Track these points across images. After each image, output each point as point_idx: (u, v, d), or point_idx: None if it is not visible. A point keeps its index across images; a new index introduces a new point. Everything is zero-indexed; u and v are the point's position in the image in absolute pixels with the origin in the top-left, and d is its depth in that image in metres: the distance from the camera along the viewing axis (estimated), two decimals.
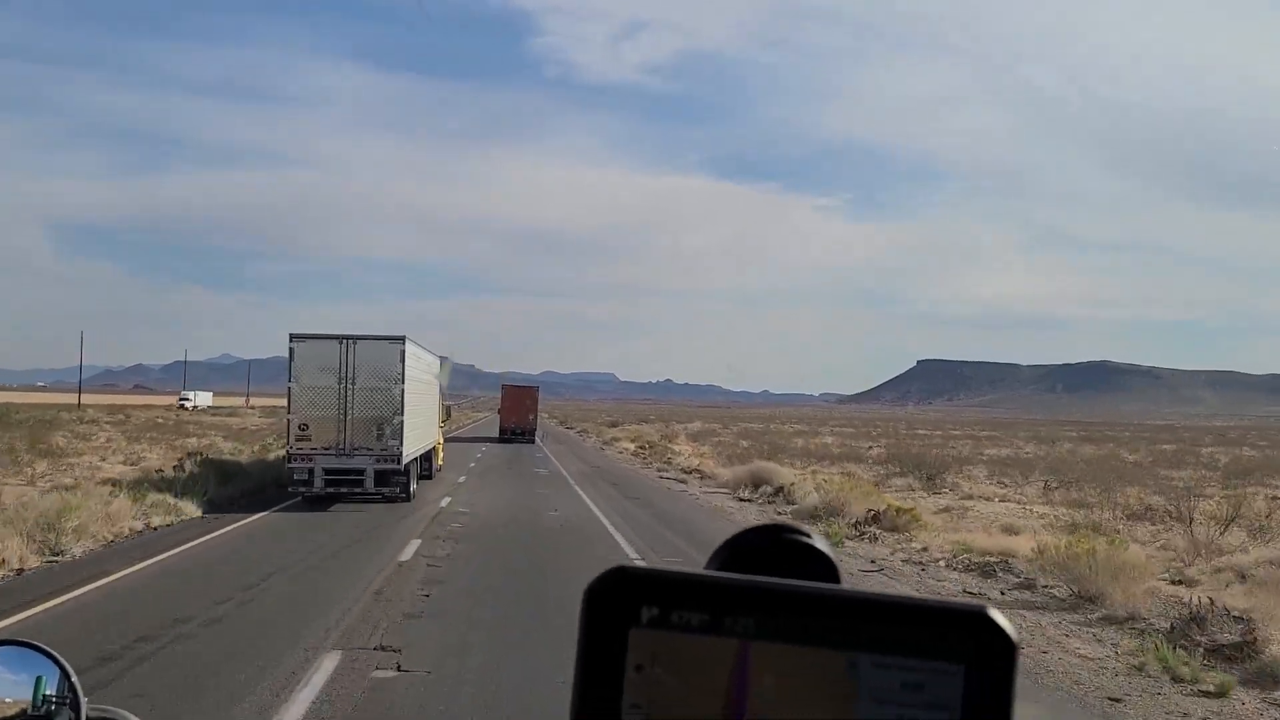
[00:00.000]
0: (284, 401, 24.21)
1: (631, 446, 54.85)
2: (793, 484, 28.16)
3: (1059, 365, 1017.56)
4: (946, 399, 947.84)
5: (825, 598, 0.84)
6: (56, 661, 1.81)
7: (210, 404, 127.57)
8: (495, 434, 61.34)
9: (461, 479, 30.38)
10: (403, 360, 23.37)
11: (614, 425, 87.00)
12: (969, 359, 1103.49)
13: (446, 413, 37.99)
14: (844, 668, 0.83)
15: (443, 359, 33.06)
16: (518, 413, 60.39)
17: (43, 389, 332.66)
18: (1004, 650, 0.83)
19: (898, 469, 37.20)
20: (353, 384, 22.96)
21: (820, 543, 0.96)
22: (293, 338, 23.10)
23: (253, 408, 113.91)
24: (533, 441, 56.90)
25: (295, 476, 22.95)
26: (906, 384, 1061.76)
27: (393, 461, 22.96)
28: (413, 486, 24.45)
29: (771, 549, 0.95)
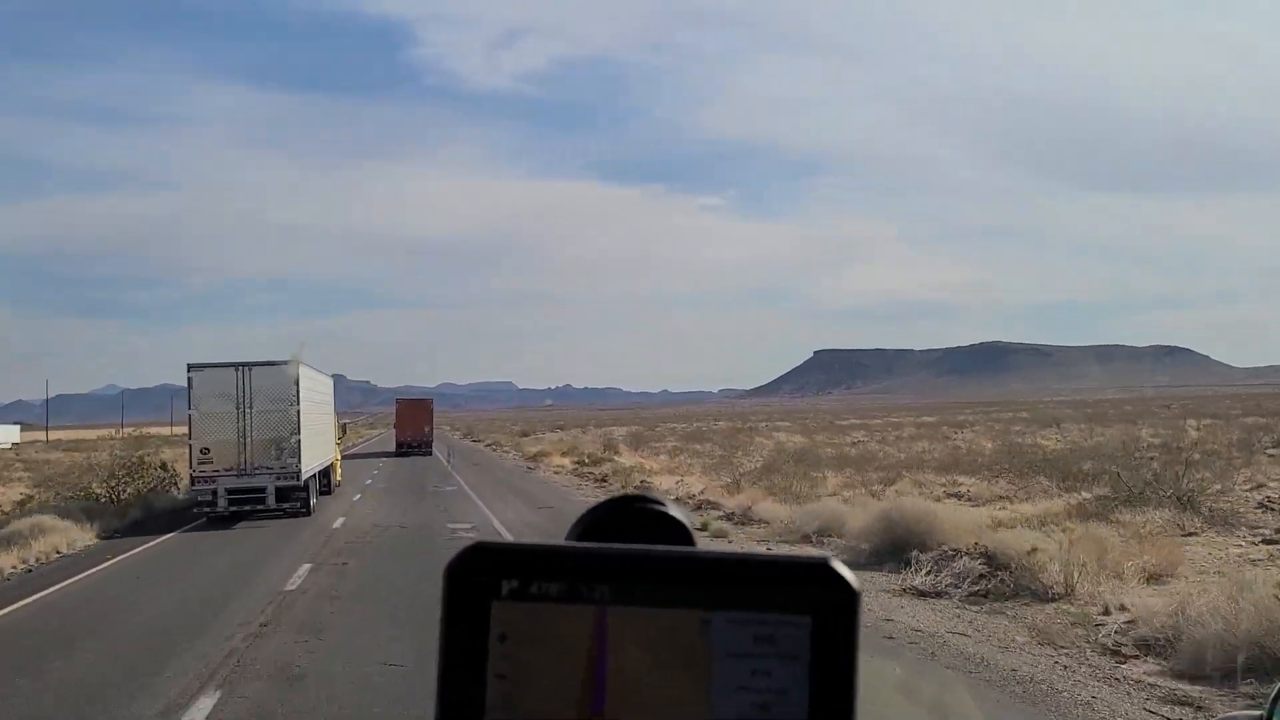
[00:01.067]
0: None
1: (567, 463, 43.69)
2: (1027, 551, 12.85)
3: (950, 348, 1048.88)
4: (844, 388, 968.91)
5: (675, 560, 0.89)
6: None
7: (15, 441, 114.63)
8: (392, 449, 62.76)
9: (357, 497, 31.93)
10: (297, 383, 25.14)
11: (525, 435, 79.43)
12: (864, 347, 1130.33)
13: (342, 430, 39.58)
14: (698, 626, 0.88)
15: (333, 377, 34.72)
16: (413, 426, 61.93)
17: None
18: (847, 599, 0.88)
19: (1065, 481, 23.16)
20: (250, 408, 24.65)
21: (675, 510, 1.01)
22: (190, 367, 24.71)
23: (116, 438, 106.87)
24: (429, 454, 58.46)
25: (200, 498, 24.58)
26: (804, 375, 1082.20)
27: (292, 478, 24.71)
28: (313, 501, 26.24)
29: (627, 518, 1.00)
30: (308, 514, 25.24)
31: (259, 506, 24.60)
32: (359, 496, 31.50)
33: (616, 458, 41.77)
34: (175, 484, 29.82)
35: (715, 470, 33.48)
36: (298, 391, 25.11)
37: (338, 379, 34.93)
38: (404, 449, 60.27)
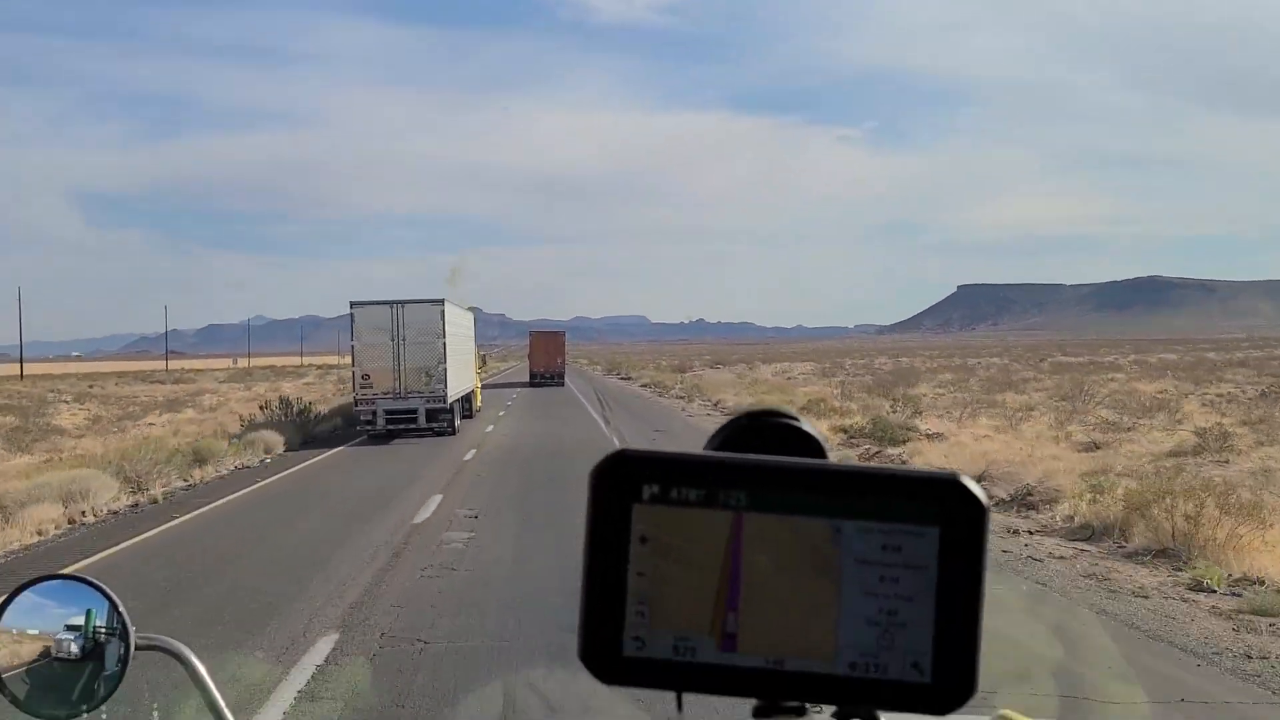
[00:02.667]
0: (325, 358, 30.11)
1: (825, 430, 24.24)
2: None
3: (1105, 283, 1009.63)
4: (990, 324, 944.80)
5: (809, 470, 0.94)
6: (105, 594, 1.90)
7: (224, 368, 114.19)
8: (526, 380, 66.62)
9: (490, 428, 35.76)
10: (443, 318, 29.00)
11: (683, 371, 73.52)
12: (1010, 282, 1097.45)
13: (482, 360, 43.77)
14: (829, 534, 0.93)
15: (469, 311, 38.70)
16: (546, 358, 65.43)
17: (78, 359, 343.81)
18: (975, 513, 0.92)
19: None
20: (403, 340, 28.64)
21: (807, 425, 1.06)
22: (352, 305, 28.82)
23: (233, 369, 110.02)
24: (562, 384, 62.12)
25: (361, 418, 28.79)
26: (947, 311, 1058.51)
27: (440, 401, 28.66)
28: (457, 422, 30.20)
29: (763, 432, 1.05)
30: (453, 434, 29.16)
31: (411, 425, 28.59)
32: (496, 423, 35.37)
33: (917, 424, 25.48)
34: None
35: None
36: (444, 326, 28.95)
37: (473, 312, 38.83)
38: (537, 380, 64.04)
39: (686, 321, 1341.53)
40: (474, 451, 24.06)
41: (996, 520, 10.20)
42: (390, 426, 28.45)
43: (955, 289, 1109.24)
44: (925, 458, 20.00)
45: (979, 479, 4.68)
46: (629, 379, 73.77)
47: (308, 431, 29.36)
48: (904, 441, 22.56)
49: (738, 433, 1.05)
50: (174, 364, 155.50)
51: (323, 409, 34.24)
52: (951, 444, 21.43)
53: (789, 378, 61.09)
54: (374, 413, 28.44)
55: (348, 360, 32.06)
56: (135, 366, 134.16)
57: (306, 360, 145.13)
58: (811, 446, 1.05)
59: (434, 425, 28.78)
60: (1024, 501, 14.75)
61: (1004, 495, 15.04)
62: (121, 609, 1.89)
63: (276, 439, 26.36)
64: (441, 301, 29.37)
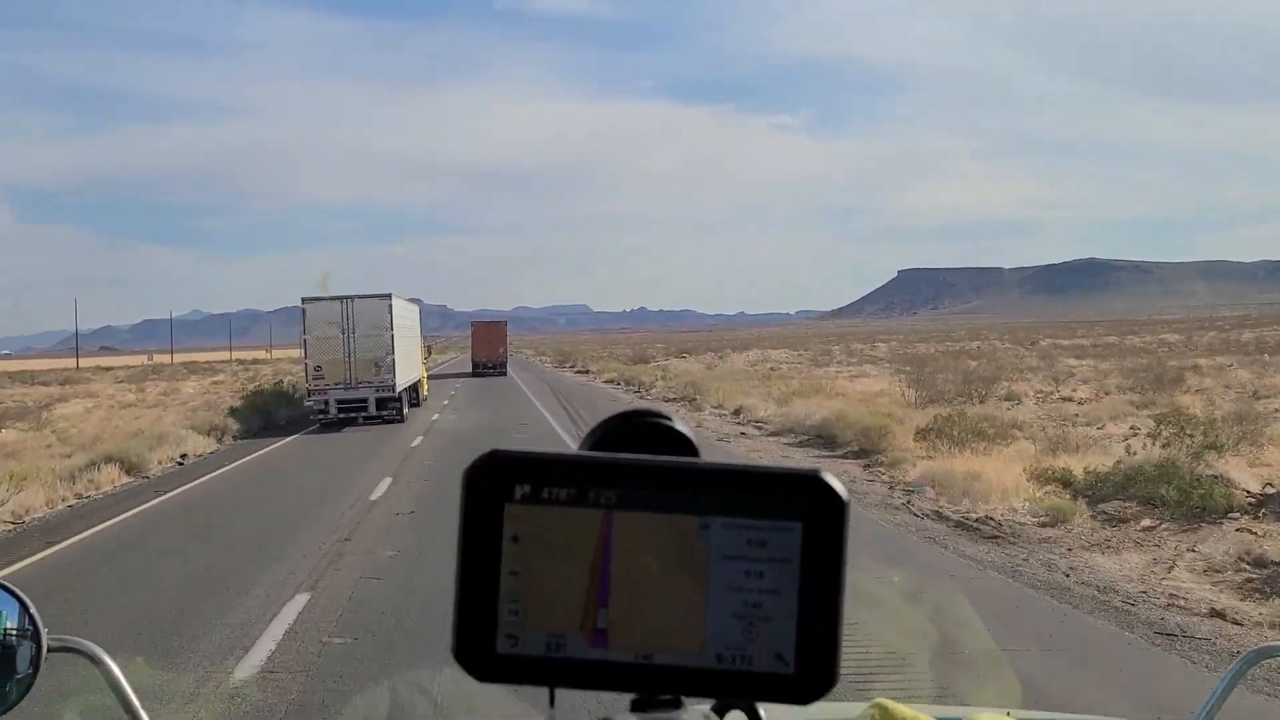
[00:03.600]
0: (252, 354, 31.63)
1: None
2: None
3: (1044, 266, 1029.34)
4: (930, 308, 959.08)
5: (676, 469, 0.97)
6: (16, 596, 1.87)
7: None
8: (468, 370, 67.95)
9: (437, 413, 37.77)
10: (390, 312, 30.78)
11: (643, 362, 69.15)
12: (949, 266, 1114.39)
13: (427, 350, 45.51)
14: (696, 530, 0.95)
15: (414, 301, 40.42)
16: (488, 348, 67.08)
17: (7, 357, 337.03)
18: (836, 508, 0.95)
19: None
20: (353, 333, 30.38)
21: (680, 424, 1.07)
22: (304, 300, 30.59)
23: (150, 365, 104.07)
24: (504, 374, 63.66)
25: (314, 408, 30.48)
26: (888, 295, 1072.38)
27: (389, 391, 30.46)
28: (405, 410, 32.00)
29: (636, 431, 1.07)
30: (401, 421, 30.95)
31: (361, 414, 30.36)
32: (442, 408, 37.28)
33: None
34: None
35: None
36: (391, 319, 30.73)
37: (385, 293, 40.66)
38: (480, 370, 65.72)
39: (628, 310, 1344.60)
40: (421, 438, 25.91)
41: None
42: (342, 415, 30.19)
43: (896, 274, 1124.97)
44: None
45: None
46: (586, 372, 65.09)
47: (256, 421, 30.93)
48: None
49: (612, 432, 1.08)
50: (102, 361, 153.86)
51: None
52: None
53: (773, 367, 56.60)
54: (326, 402, 30.16)
55: (278, 354, 33.65)
56: (47, 365, 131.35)
57: (237, 355, 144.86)
58: (684, 445, 1.07)
59: (383, 413, 30.56)
60: None
61: None
62: (33, 610, 1.86)
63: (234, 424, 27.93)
64: (389, 296, 31.16)
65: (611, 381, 51.86)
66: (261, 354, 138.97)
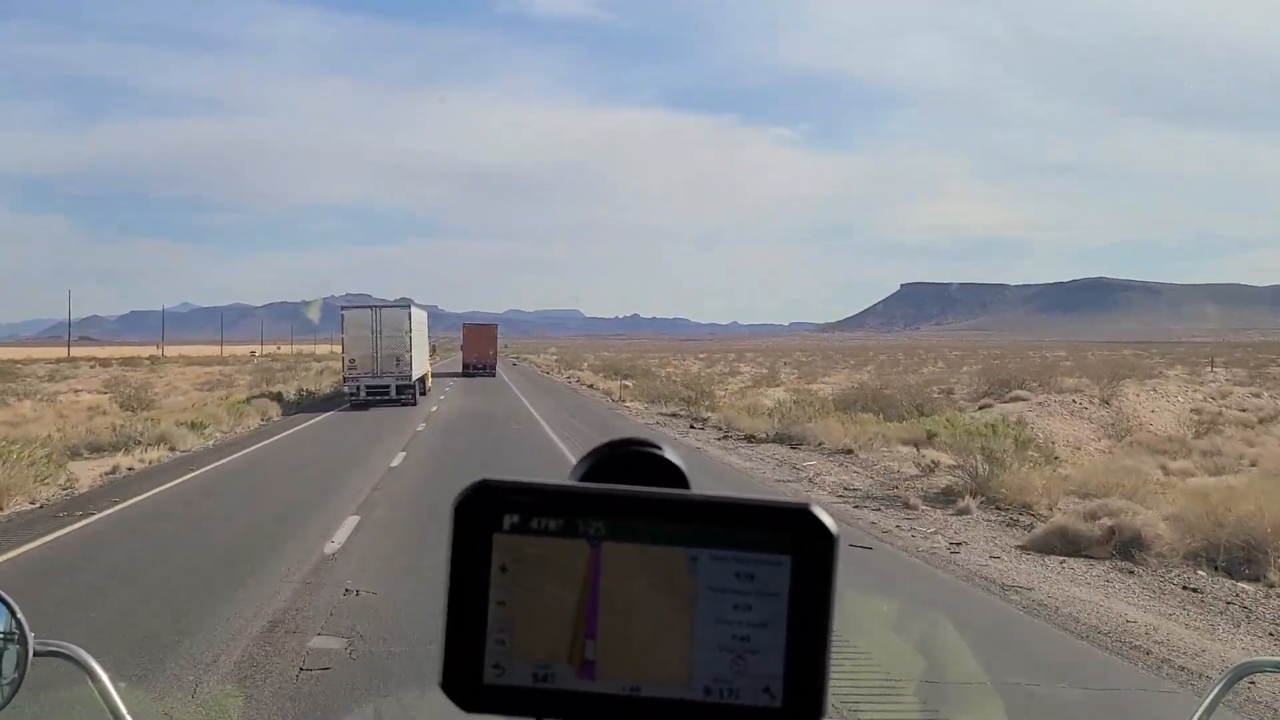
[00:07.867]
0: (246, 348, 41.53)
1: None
2: None
3: (1050, 284, 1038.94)
4: (934, 323, 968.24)
5: (665, 501, 1.00)
6: (3, 601, 1.93)
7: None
8: (459, 370, 74.36)
9: (436, 402, 47.91)
10: (409, 318, 41.19)
11: (625, 377, 58.71)
12: (954, 281, 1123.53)
13: (432, 349, 55.97)
14: (685, 562, 0.98)
15: (401, 301, 50.56)
16: (479, 349, 73.97)
17: None
18: (825, 542, 0.98)
19: None
20: (380, 334, 40.65)
21: (670, 454, 1.10)
22: (343, 309, 41.38)
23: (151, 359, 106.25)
24: (493, 375, 70.99)
25: (348, 392, 40.84)
26: (891, 309, 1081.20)
27: (406, 380, 40.78)
28: (418, 396, 42.37)
29: (626, 461, 1.09)
30: (414, 404, 41.20)
31: (384, 398, 40.52)
32: (439, 404, 47.42)
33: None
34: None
35: None
36: (410, 324, 41.09)
37: (406, 303, 48.38)
38: (470, 370, 72.36)
39: (620, 317, 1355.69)
40: (424, 425, 35.82)
41: None
42: (368, 397, 40.48)
43: (899, 286, 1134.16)
44: None
45: None
46: (593, 387, 56.67)
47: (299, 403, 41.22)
48: None
49: (602, 462, 1.10)
50: (95, 351, 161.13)
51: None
52: None
53: (772, 368, 61.21)
54: (358, 387, 40.50)
55: (259, 350, 43.59)
56: (40, 354, 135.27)
57: (228, 349, 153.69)
58: (674, 476, 1.09)
59: (401, 398, 40.85)
60: None
61: None
62: (19, 614, 1.90)
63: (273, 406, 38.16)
64: (409, 305, 41.72)
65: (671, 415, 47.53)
66: (253, 348, 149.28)
